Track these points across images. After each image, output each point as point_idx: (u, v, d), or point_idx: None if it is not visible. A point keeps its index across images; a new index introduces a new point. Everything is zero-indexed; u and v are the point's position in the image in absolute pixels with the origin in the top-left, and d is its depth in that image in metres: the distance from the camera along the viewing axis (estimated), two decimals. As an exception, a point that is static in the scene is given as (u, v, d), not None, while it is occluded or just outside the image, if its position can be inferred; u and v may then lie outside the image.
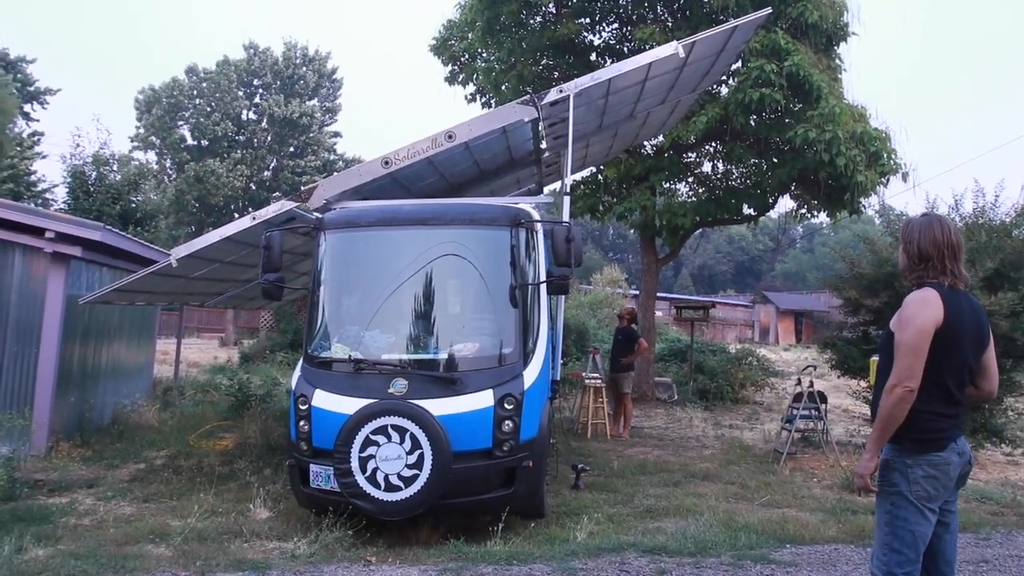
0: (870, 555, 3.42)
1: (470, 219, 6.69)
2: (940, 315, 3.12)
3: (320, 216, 7.00)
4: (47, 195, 28.08)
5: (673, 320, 27.43)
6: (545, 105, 7.32)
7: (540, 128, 8.34)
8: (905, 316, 3.19)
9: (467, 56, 15.79)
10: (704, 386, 15.47)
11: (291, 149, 38.38)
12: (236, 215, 36.34)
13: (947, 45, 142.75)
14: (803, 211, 15.12)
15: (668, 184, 15.79)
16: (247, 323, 33.24)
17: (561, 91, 7.36)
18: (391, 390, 5.90)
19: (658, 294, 17.40)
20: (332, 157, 38.91)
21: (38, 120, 33.29)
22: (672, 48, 7.84)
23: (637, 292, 22.56)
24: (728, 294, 61.83)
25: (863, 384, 10.25)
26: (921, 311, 3.14)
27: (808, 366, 10.72)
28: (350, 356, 6.21)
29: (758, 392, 16.29)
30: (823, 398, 9.82)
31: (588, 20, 14.66)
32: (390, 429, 5.62)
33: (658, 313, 19.76)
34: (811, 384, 9.72)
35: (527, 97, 7.34)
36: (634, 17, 14.35)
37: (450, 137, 7.06)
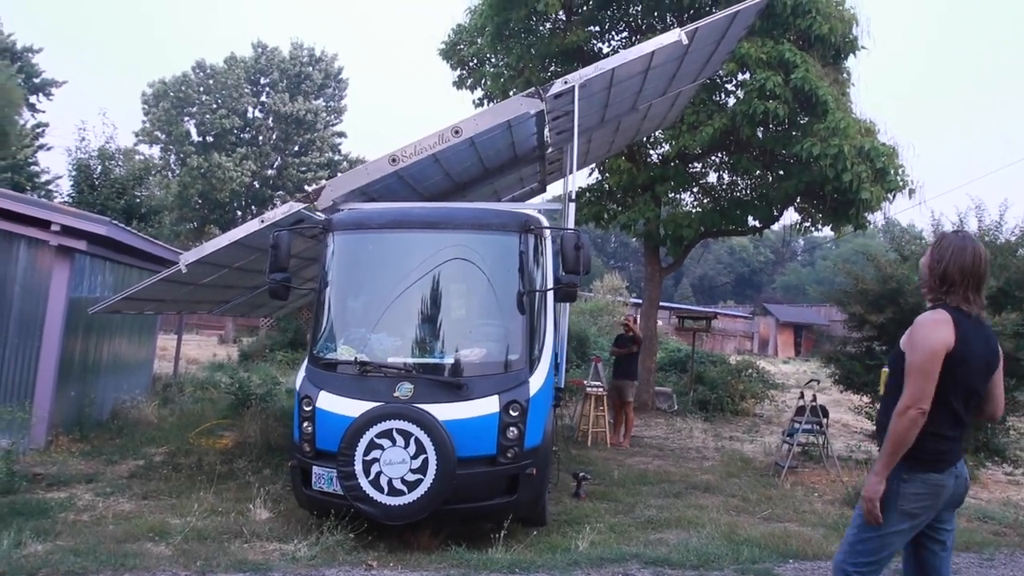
0: None
1: (480, 223, 6.66)
2: (951, 338, 3.11)
3: (329, 217, 6.98)
4: (50, 187, 28.01)
5: (674, 330, 27.41)
6: (549, 98, 7.27)
7: (545, 123, 8.33)
8: (916, 338, 3.17)
9: (476, 61, 15.78)
10: (704, 397, 15.42)
11: (295, 147, 38.37)
12: (239, 212, 36.33)
13: (960, 58, 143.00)
14: (807, 224, 15.09)
15: (673, 194, 15.81)
16: (247, 321, 33.11)
17: (566, 82, 7.30)
18: (397, 394, 5.87)
19: (659, 303, 17.38)
20: (336, 157, 38.88)
21: (43, 111, 33.26)
22: (675, 35, 7.80)
23: (639, 300, 22.55)
24: (728, 305, 61.81)
25: (865, 399, 10.23)
26: (932, 334, 3.13)
27: (811, 380, 10.70)
28: (356, 358, 6.18)
29: (758, 404, 16.25)
30: (825, 412, 9.80)
31: (597, 28, 14.66)
32: (395, 433, 5.59)
33: (659, 323, 19.75)
34: (814, 398, 9.70)
35: (532, 90, 7.30)
36: (643, 26, 14.35)
37: (456, 132, 6.96)
